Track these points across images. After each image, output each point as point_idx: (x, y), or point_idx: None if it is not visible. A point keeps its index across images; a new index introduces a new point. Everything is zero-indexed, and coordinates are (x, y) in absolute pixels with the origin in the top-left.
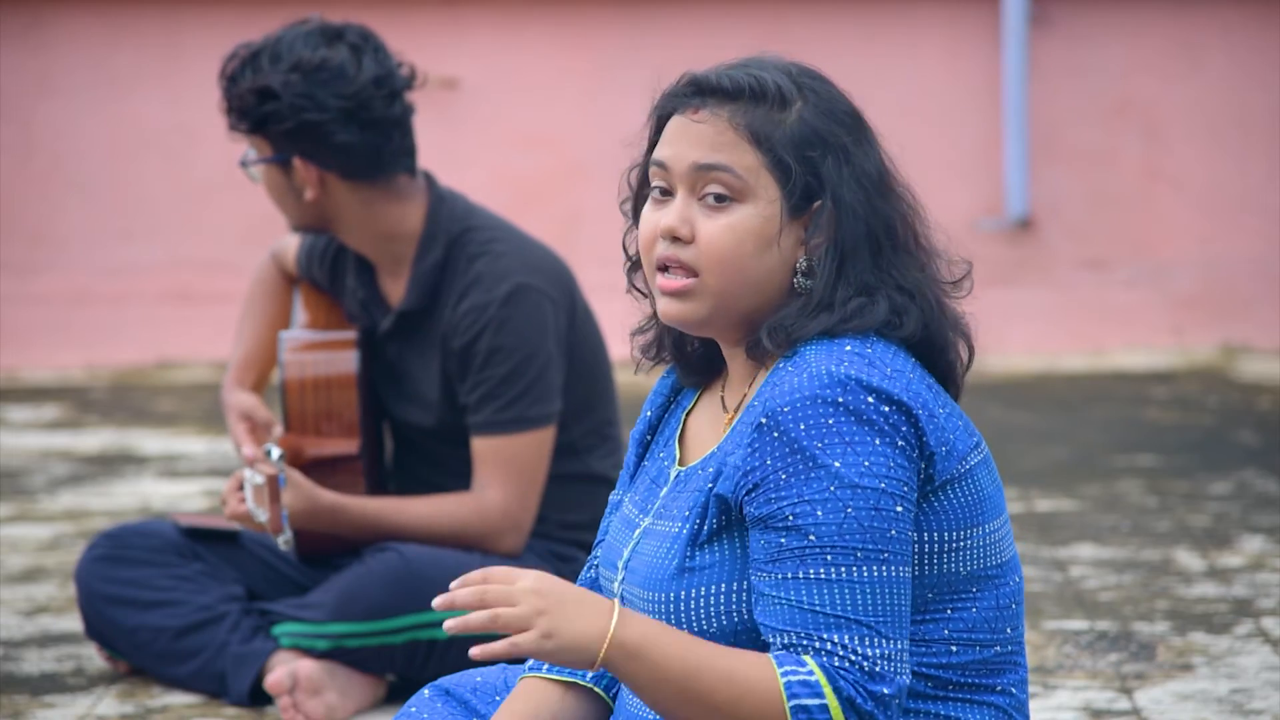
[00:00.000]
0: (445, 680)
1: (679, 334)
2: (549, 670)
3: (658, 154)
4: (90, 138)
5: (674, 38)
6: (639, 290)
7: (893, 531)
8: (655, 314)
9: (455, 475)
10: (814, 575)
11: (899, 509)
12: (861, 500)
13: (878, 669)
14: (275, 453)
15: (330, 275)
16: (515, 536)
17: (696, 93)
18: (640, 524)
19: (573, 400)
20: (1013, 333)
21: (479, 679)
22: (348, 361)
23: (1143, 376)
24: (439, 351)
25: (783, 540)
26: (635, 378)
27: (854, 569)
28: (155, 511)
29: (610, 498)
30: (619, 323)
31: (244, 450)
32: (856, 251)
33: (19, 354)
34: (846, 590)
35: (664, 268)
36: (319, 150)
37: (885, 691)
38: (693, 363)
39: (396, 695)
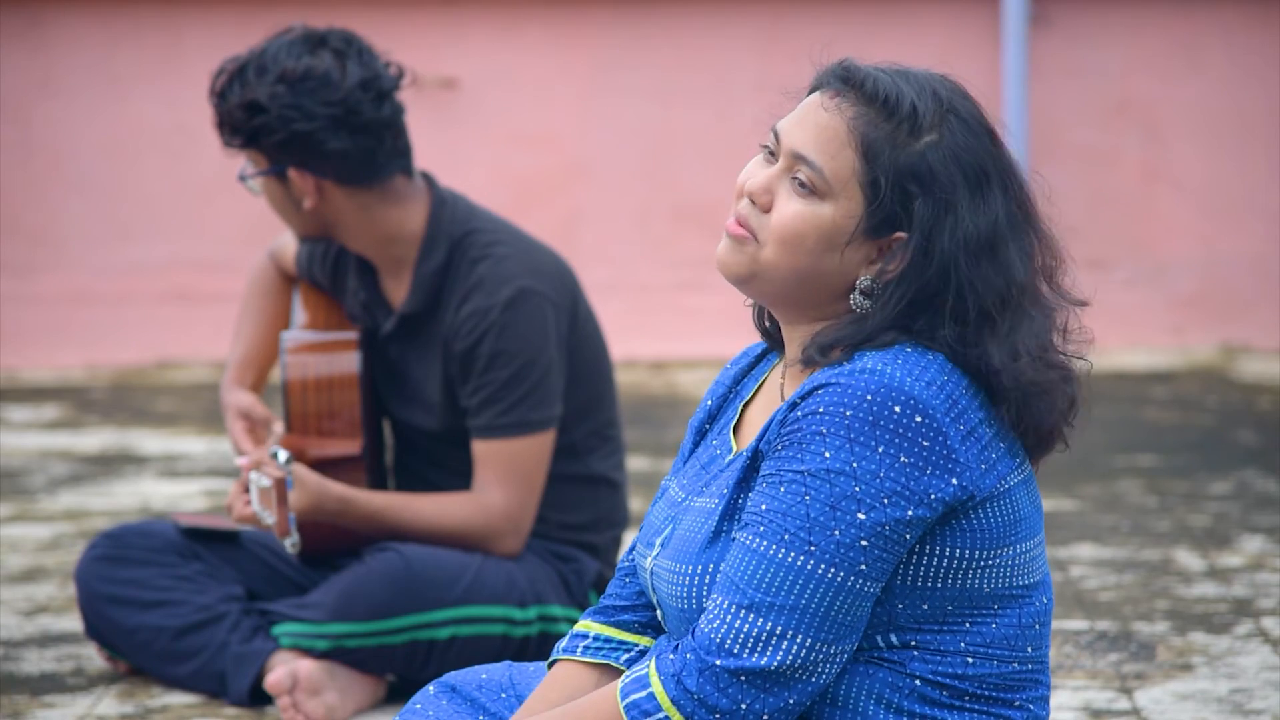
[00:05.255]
0: (450, 676)
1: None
2: (582, 653)
3: (781, 121)
4: (90, 138)
5: (673, 38)
6: None
7: (836, 533)
8: None
9: (456, 475)
10: (741, 539)
11: (861, 516)
12: (824, 493)
13: (727, 644)
14: (282, 455)
15: (331, 276)
16: (515, 539)
17: (841, 79)
18: (684, 504)
19: (574, 402)
20: None
21: (484, 676)
22: (349, 362)
23: (1142, 376)
24: (441, 354)
25: (749, 504)
26: (636, 378)
27: (772, 548)
28: (155, 511)
29: (661, 484)
30: (619, 323)
31: (239, 460)
32: (931, 300)
33: (19, 354)
34: (753, 561)
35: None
36: (312, 159)
37: (718, 664)
38: (770, 334)
39: (396, 695)
